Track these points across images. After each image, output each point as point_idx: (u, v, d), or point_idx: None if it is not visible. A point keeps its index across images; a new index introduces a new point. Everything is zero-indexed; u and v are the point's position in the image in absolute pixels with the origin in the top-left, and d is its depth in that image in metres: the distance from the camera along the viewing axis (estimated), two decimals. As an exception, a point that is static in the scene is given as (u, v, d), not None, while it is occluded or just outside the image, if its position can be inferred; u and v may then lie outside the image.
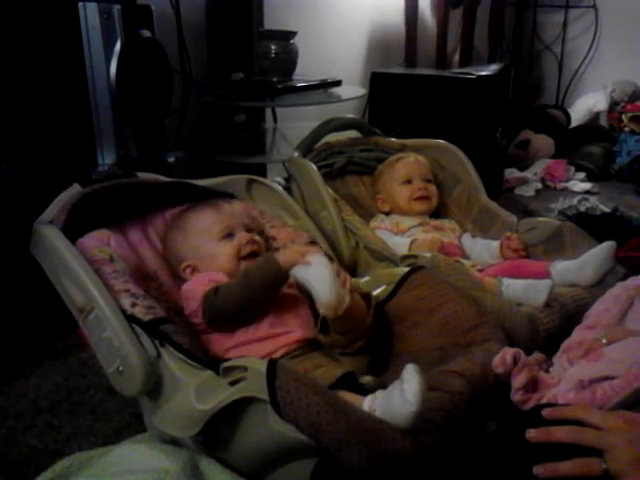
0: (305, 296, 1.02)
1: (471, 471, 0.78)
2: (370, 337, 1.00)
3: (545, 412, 0.74)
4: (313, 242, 1.19)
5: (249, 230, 1.10)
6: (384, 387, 0.79)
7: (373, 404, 0.77)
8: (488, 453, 0.78)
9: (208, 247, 1.07)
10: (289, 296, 1.03)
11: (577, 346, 0.92)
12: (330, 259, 0.96)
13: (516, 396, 0.87)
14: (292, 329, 0.98)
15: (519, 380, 0.87)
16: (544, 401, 0.84)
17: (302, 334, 0.98)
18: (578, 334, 0.96)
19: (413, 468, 0.72)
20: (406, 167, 1.56)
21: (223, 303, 0.94)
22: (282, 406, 0.71)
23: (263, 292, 0.96)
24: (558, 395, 0.83)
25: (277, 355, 0.93)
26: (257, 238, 1.10)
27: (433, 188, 1.56)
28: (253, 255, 1.08)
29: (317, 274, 0.90)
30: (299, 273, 0.92)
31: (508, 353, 0.89)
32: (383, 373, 1.01)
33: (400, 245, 1.40)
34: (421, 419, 0.74)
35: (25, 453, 1.06)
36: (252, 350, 0.94)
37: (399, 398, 0.73)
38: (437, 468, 0.74)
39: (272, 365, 0.74)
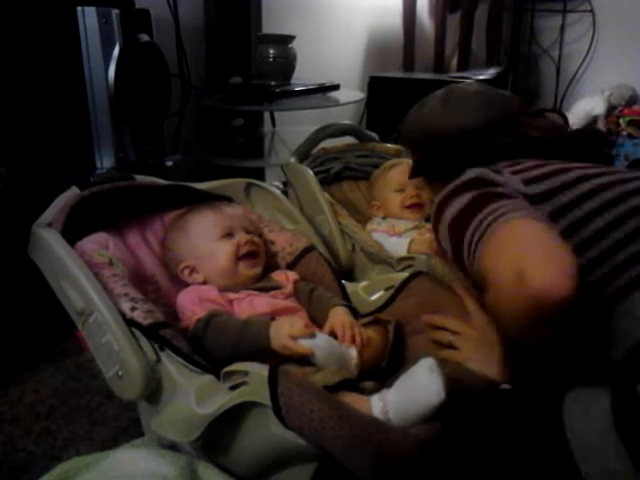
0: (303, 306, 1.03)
1: (474, 473, 0.78)
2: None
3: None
4: (311, 247, 1.18)
5: (248, 232, 1.11)
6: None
7: (383, 399, 0.78)
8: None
9: (207, 247, 1.07)
10: (288, 307, 1.03)
11: None
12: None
13: None
14: None
15: None
16: None
17: None
18: None
19: (417, 471, 0.71)
20: (399, 174, 1.53)
21: (211, 347, 0.93)
22: (285, 412, 0.71)
23: (248, 354, 0.90)
24: None
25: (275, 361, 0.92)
26: (256, 239, 1.10)
27: (426, 195, 1.52)
28: (251, 255, 1.08)
29: (324, 352, 0.89)
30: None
31: None
32: (384, 380, 1.00)
33: (398, 245, 1.40)
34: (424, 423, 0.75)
35: (22, 458, 1.05)
36: None
37: (421, 388, 0.76)
38: (441, 471, 0.74)
39: (274, 370, 0.74)
